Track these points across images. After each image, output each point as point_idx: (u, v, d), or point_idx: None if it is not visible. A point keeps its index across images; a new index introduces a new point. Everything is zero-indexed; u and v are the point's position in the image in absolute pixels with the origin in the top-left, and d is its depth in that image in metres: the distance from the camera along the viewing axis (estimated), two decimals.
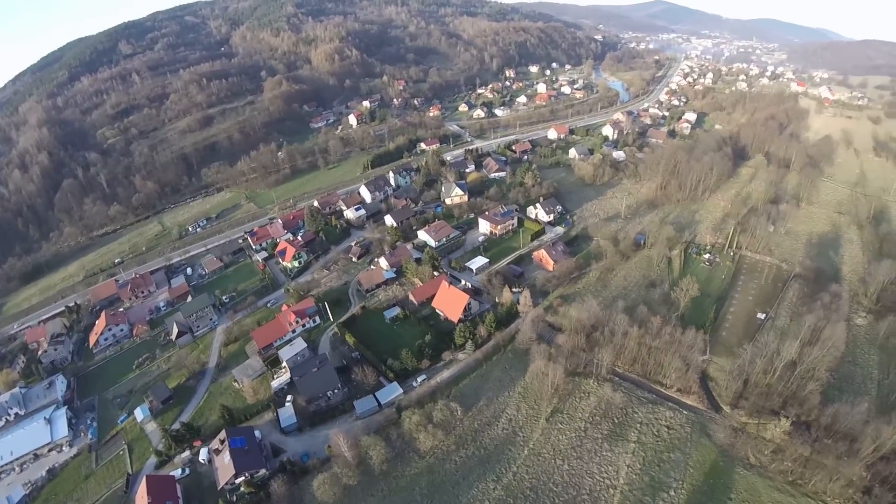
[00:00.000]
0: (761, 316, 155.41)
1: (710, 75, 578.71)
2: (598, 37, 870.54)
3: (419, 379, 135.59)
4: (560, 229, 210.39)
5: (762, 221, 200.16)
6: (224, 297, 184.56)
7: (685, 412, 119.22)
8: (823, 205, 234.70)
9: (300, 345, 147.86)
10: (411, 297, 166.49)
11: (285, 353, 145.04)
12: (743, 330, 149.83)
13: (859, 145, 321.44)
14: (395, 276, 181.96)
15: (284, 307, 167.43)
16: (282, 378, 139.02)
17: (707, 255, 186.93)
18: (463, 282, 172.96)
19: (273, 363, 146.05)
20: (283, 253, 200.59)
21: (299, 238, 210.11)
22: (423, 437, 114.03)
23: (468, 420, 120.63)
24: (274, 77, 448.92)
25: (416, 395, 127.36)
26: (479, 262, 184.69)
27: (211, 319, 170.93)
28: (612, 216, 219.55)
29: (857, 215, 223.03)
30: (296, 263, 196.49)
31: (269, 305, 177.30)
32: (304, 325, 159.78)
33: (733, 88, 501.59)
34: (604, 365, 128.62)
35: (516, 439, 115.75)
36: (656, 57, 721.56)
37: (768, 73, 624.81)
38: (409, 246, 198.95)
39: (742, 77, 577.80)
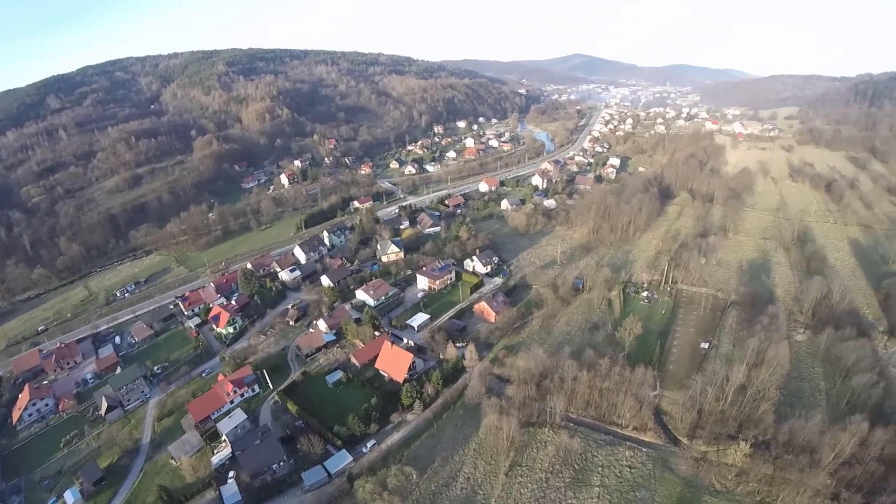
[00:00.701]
0: (705, 345, 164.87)
1: (629, 121, 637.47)
2: (522, 90, 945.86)
3: (369, 444, 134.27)
4: (498, 280, 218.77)
5: (694, 255, 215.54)
6: (156, 368, 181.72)
7: (644, 449, 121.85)
8: (749, 233, 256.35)
9: (240, 416, 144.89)
10: (353, 360, 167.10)
11: (225, 426, 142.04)
12: (689, 361, 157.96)
13: (776, 173, 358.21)
14: (335, 338, 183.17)
15: (221, 376, 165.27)
16: (222, 453, 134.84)
17: (645, 293, 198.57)
18: (405, 340, 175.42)
19: (212, 437, 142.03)
20: (216, 318, 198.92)
21: (233, 302, 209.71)
22: None
23: (424, 483, 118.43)
24: (204, 136, 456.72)
25: (367, 462, 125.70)
26: (420, 318, 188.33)
27: (142, 392, 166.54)
28: (548, 263, 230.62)
29: (782, 239, 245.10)
30: (231, 329, 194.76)
31: (204, 375, 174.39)
32: (242, 395, 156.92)
33: (652, 132, 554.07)
34: (557, 412, 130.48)
35: (477, 498, 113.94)
36: (578, 107, 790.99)
37: (684, 115, 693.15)
38: (347, 306, 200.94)
39: (660, 120, 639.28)
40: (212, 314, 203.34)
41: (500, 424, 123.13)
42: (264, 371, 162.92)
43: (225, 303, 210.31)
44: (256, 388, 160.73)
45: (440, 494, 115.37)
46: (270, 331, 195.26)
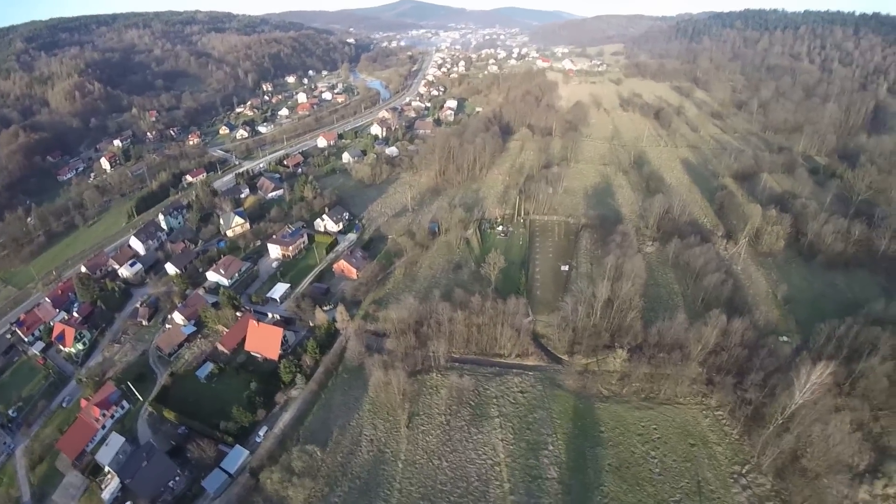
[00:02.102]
0: (565, 268, 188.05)
1: (462, 64, 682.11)
2: (351, 40, 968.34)
3: (261, 432, 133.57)
4: (353, 236, 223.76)
5: (541, 186, 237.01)
6: (10, 411, 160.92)
7: (531, 373, 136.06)
8: (590, 161, 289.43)
9: (117, 441, 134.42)
10: (221, 347, 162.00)
11: (104, 456, 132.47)
12: (554, 285, 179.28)
13: (608, 105, 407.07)
14: (195, 329, 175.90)
15: (83, 402, 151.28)
16: (111, 486, 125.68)
17: (500, 227, 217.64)
18: (271, 315, 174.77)
19: (94, 471, 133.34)
20: (61, 337, 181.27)
21: (75, 314, 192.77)
22: (292, 492, 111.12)
23: (330, 457, 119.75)
24: (9, 128, 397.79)
25: (265, 451, 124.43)
26: (280, 289, 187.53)
27: (4, 443, 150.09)
28: (400, 211, 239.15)
29: (620, 164, 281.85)
30: (80, 346, 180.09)
31: (64, 405, 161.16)
32: (112, 416, 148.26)
33: (486, 73, 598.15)
34: (441, 356, 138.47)
35: (385, 457, 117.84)
36: (409, 53, 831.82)
37: (515, 55, 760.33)
38: (201, 291, 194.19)
39: (492, 61, 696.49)
40: (55, 334, 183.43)
41: (387, 379, 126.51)
42: (128, 383, 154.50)
43: (66, 317, 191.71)
44: (125, 404, 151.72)
45: (348, 464, 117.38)
46: (123, 337, 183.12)
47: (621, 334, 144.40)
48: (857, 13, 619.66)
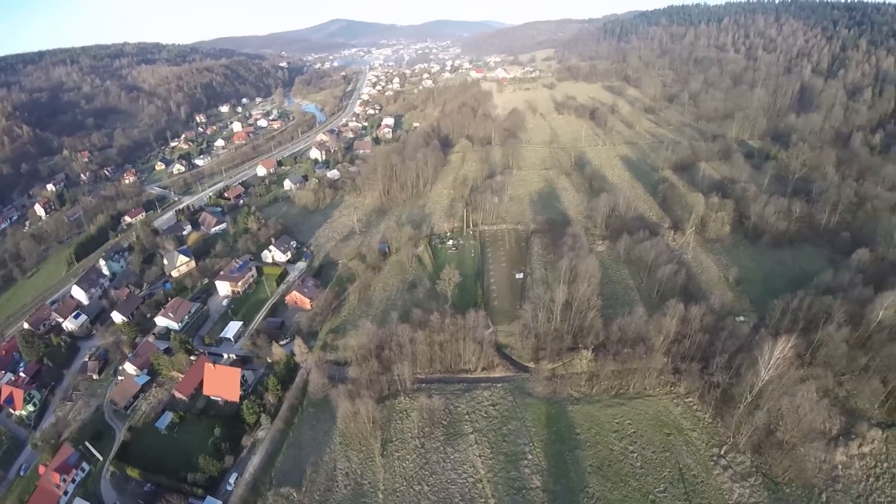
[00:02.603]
0: (519, 276, 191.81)
1: (396, 80, 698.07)
2: (283, 64, 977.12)
3: (231, 480, 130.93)
4: (302, 264, 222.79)
5: (487, 196, 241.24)
6: None
7: (500, 385, 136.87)
8: (531, 166, 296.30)
9: None
10: (178, 395, 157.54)
11: None
12: (510, 293, 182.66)
13: (543, 109, 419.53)
14: (149, 378, 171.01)
15: (42, 468, 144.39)
16: None
17: (451, 241, 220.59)
18: (226, 355, 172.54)
19: None
20: (10, 400, 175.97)
21: (22, 374, 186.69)
22: None
23: (307, 496, 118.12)
24: None
25: (239, 499, 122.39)
26: (233, 328, 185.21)
27: None
28: (348, 235, 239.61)
29: (561, 167, 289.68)
30: (30, 407, 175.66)
31: (22, 473, 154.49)
32: (73, 480, 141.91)
33: (420, 87, 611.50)
34: (406, 378, 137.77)
35: (364, 489, 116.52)
36: (343, 73, 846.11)
37: (448, 68, 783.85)
38: (151, 338, 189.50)
39: (426, 75, 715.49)
40: (2, 397, 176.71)
41: (355, 409, 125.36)
42: (86, 443, 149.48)
43: (13, 378, 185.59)
44: (85, 465, 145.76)
45: (327, 502, 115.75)
46: (75, 394, 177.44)
47: (584, 335, 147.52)
48: (778, 1, 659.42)
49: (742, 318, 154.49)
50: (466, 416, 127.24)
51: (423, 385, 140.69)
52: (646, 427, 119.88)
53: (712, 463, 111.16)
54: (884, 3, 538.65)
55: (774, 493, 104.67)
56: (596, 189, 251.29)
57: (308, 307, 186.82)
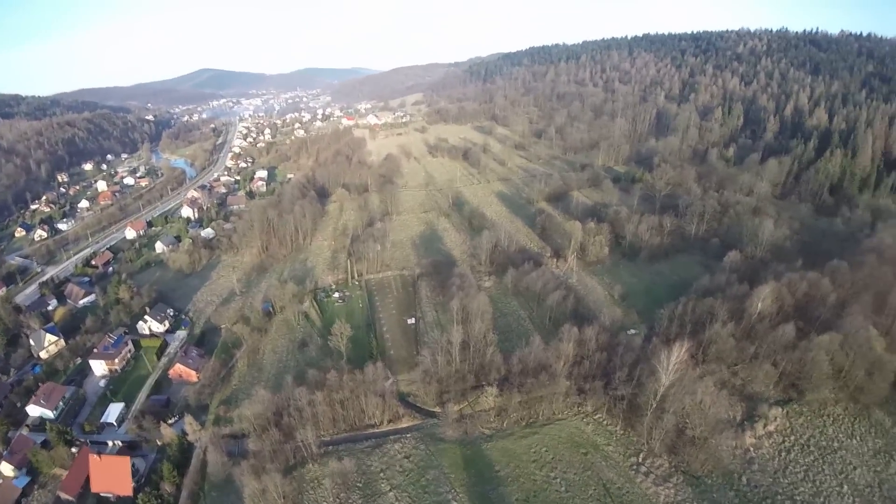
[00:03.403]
0: (412, 321, 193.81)
1: (267, 131, 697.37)
2: (150, 116, 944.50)
3: None
4: (182, 333, 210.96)
5: (369, 244, 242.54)
6: None
7: (409, 435, 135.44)
8: (410, 210, 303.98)
9: None
10: (64, 496, 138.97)
11: None
12: (405, 340, 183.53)
13: (417, 153, 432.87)
14: (30, 479, 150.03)
15: None
16: None
17: (337, 294, 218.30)
18: (111, 443, 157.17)
19: None
20: None
21: None
22: None
23: None
24: None
25: None
26: (115, 411, 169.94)
27: None
28: (228, 297, 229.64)
29: (440, 209, 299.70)
30: None
31: None
32: None
33: (293, 137, 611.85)
34: (311, 443, 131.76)
35: None
36: (212, 125, 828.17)
37: (320, 116, 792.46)
38: (25, 431, 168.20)
39: (297, 125, 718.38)
40: None
41: (262, 486, 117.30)
42: None
43: None
44: None
45: None
46: None
47: (485, 372, 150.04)
48: (630, 37, 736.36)
49: (634, 331, 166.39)
50: (381, 474, 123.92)
51: (331, 448, 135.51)
52: (562, 451, 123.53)
53: (633, 472, 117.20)
54: (726, 30, 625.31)
55: (697, 487, 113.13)
56: (476, 227, 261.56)
57: (194, 379, 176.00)
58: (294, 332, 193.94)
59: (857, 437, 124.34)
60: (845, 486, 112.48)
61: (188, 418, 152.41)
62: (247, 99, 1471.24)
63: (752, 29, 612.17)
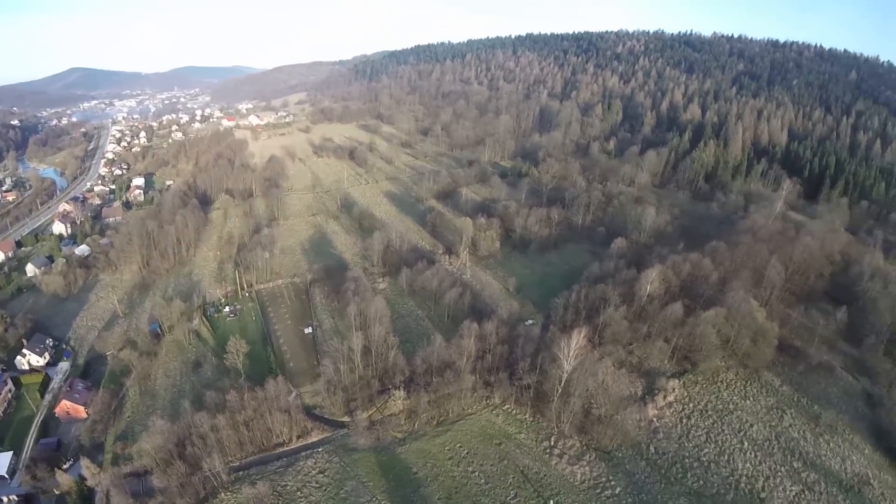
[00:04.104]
0: (309, 331, 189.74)
1: (143, 134, 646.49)
2: (16, 121, 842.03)
3: None
4: (65, 365, 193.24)
5: (257, 252, 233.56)
6: None
7: (321, 449, 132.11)
8: (298, 214, 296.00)
9: None
10: None
11: None
12: (304, 351, 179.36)
13: (301, 154, 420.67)
14: None
15: None
16: None
17: (228, 308, 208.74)
18: (6, 499, 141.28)
19: None
20: None
21: None
22: None
23: None
24: None
25: None
26: (3, 462, 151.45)
27: None
28: (111, 321, 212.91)
29: (328, 211, 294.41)
30: None
31: None
32: None
33: (170, 140, 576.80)
34: (220, 471, 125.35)
35: None
36: (83, 129, 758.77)
37: (199, 117, 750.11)
38: None
39: (175, 127, 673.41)
40: None
41: None
42: None
43: None
44: None
45: None
46: None
47: (390, 375, 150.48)
48: (514, 36, 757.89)
49: (531, 322, 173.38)
50: (299, 493, 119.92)
51: (242, 473, 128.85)
52: (477, 445, 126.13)
53: (547, 455, 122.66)
54: (606, 31, 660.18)
55: (610, 461, 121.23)
56: (367, 228, 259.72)
57: (83, 415, 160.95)
58: (186, 353, 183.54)
59: (750, 398, 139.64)
60: (745, 443, 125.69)
61: (84, 461, 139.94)
62: (120, 100, 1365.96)
63: (631, 30, 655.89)
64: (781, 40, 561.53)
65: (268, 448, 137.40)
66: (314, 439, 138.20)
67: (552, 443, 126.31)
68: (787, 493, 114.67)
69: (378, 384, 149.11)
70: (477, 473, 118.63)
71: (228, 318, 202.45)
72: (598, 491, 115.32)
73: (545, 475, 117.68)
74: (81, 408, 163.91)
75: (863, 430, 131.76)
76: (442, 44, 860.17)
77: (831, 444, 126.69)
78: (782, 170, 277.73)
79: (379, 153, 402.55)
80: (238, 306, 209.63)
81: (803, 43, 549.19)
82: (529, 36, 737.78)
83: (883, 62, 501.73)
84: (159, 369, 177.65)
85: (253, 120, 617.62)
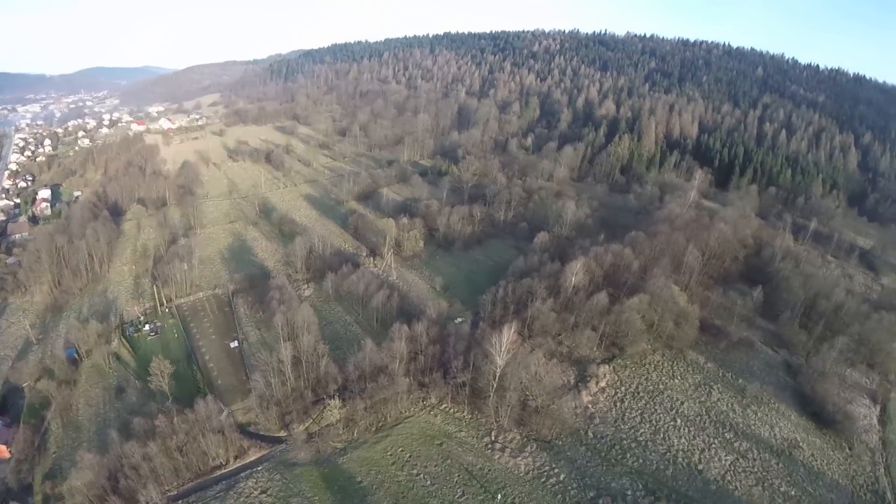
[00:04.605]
0: (234, 345, 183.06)
1: (48, 142, 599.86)
2: None
3: None
4: None
5: (175, 265, 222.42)
6: None
7: (261, 468, 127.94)
8: (215, 222, 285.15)
9: None
10: None
11: None
12: (232, 366, 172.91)
13: (216, 159, 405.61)
14: None
15: None
16: None
17: (148, 327, 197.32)
18: None
19: None
20: None
21: None
22: None
23: None
24: None
25: None
26: None
27: None
28: (24, 348, 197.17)
29: (247, 217, 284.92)
30: None
31: None
32: None
33: (77, 148, 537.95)
34: (157, 503, 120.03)
35: None
36: None
37: (107, 122, 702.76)
38: None
39: (82, 133, 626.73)
40: None
41: None
42: None
43: None
44: None
45: None
46: None
47: (323, 385, 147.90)
48: (432, 35, 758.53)
49: (461, 319, 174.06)
50: None
51: (181, 502, 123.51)
52: (418, 447, 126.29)
53: (489, 450, 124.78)
54: (523, 31, 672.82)
55: (551, 450, 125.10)
56: (288, 233, 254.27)
57: (6, 455, 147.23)
58: (107, 379, 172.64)
59: (678, 377, 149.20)
60: (678, 420, 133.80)
61: None
62: (24, 105, 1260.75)
63: (547, 30, 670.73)
64: (692, 39, 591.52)
65: (205, 472, 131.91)
66: (252, 458, 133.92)
67: (493, 437, 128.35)
68: (723, 462, 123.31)
69: (312, 395, 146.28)
70: (422, 476, 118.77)
71: (149, 337, 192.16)
72: (542, 480, 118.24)
73: (490, 470, 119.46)
74: (3, 447, 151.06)
75: (787, 398, 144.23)
76: (359, 42, 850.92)
77: (759, 414, 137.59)
78: (694, 160, 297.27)
79: (296, 155, 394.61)
80: (158, 323, 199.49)
81: (712, 42, 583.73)
82: (447, 35, 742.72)
83: (788, 59, 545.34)
84: (81, 398, 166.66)
85: (164, 124, 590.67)
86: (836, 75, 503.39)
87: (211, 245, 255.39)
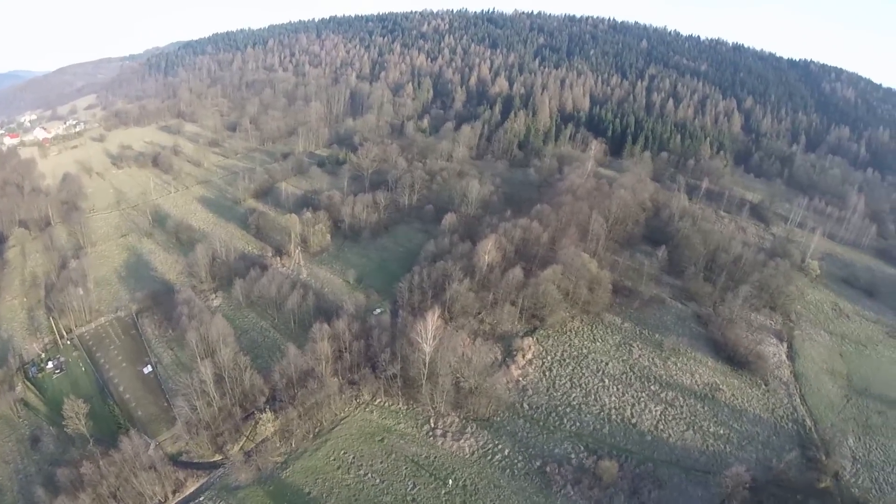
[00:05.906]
0: (148, 370, 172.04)
1: None
2: None
3: None
4: None
5: (70, 291, 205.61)
6: None
7: (202, 497, 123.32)
8: (106, 238, 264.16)
9: None
10: None
11: None
12: (150, 394, 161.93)
13: (99, 167, 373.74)
14: None
15: None
16: None
17: (51, 364, 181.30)
18: None
19: None
20: None
21: None
22: None
23: None
24: None
25: None
26: None
27: None
28: None
29: (140, 229, 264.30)
30: None
31: None
32: None
33: None
34: None
35: None
36: None
37: None
38: None
39: None
40: None
41: None
42: None
43: None
44: None
45: None
46: None
47: (250, 399, 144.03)
48: (317, 19, 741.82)
49: (380, 310, 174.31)
50: None
51: None
52: (360, 447, 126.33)
53: (432, 438, 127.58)
54: (411, 12, 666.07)
55: (491, 428, 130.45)
56: (186, 242, 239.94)
57: None
58: (19, 430, 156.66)
59: (600, 340, 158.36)
60: (606, 380, 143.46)
61: None
62: None
63: (435, 10, 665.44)
64: (578, 15, 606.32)
65: None
66: (192, 489, 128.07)
67: (432, 425, 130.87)
68: (653, 413, 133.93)
69: (241, 411, 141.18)
70: (369, 475, 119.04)
71: (55, 375, 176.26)
72: (489, 458, 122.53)
73: (436, 457, 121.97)
74: None
75: (701, 346, 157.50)
76: (242, 30, 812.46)
77: (679, 364, 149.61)
78: (588, 132, 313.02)
79: (185, 156, 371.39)
80: (62, 358, 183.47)
81: (598, 17, 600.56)
82: (333, 18, 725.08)
83: (670, 31, 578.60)
84: None
85: (39, 133, 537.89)
86: (716, 45, 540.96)
87: (105, 264, 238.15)
